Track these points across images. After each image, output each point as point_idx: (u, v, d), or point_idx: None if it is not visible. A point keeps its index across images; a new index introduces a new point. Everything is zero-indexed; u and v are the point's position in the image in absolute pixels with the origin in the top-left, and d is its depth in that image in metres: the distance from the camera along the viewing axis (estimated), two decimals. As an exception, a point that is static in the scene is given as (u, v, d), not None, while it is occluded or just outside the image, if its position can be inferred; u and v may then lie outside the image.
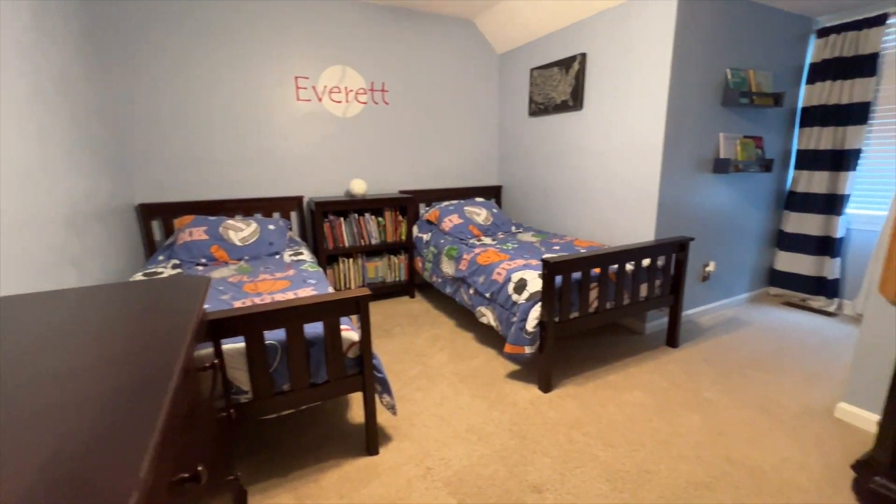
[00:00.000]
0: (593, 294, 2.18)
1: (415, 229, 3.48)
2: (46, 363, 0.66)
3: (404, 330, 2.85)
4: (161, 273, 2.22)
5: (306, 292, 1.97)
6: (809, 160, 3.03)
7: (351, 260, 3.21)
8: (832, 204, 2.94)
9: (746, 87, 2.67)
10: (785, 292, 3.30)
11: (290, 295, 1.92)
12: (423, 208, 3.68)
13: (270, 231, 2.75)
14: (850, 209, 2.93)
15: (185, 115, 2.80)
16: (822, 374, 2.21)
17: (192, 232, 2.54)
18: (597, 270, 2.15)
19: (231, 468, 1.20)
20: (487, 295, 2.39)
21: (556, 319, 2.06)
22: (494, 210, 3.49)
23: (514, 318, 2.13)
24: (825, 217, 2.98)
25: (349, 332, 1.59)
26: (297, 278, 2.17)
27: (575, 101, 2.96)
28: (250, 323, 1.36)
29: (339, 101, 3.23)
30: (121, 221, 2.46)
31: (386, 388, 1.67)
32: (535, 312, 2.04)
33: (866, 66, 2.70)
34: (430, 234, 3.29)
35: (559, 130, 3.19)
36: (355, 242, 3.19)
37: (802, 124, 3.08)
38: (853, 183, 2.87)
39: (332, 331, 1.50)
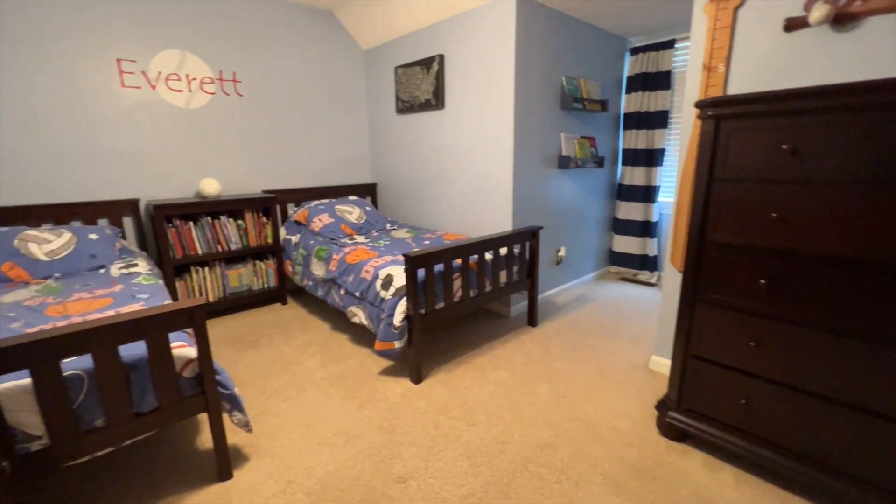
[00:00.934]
0: (457, 284, 2.30)
1: (282, 231, 3.26)
2: None
3: (273, 339, 2.65)
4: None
5: (133, 309, 1.69)
6: (631, 157, 3.61)
7: (207, 269, 2.88)
8: (648, 194, 3.55)
9: (579, 94, 3.06)
10: (621, 269, 3.90)
11: (110, 314, 1.64)
12: (291, 209, 3.47)
13: (92, 241, 2.32)
14: (660, 198, 3.58)
15: (-49, 98, 2.19)
16: (644, 335, 2.66)
17: (-29, 247, 2.00)
18: (458, 261, 2.27)
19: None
20: (357, 294, 2.36)
21: (423, 312, 2.12)
22: (368, 208, 3.45)
23: (383, 315, 2.14)
24: (644, 205, 3.59)
25: (185, 348, 1.42)
26: (123, 294, 1.86)
27: (437, 100, 3.08)
28: (37, 352, 1.11)
29: (180, 91, 2.85)
30: None
31: (236, 405, 1.52)
32: (402, 307, 2.07)
33: (663, 80, 3.31)
34: (299, 235, 3.12)
35: (425, 128, 3.28)
36: (211, 249, 2.86)
37: (625, 127, 3.66)
38: (661, 176, 3.50)
39: (159, 350, 1.32)
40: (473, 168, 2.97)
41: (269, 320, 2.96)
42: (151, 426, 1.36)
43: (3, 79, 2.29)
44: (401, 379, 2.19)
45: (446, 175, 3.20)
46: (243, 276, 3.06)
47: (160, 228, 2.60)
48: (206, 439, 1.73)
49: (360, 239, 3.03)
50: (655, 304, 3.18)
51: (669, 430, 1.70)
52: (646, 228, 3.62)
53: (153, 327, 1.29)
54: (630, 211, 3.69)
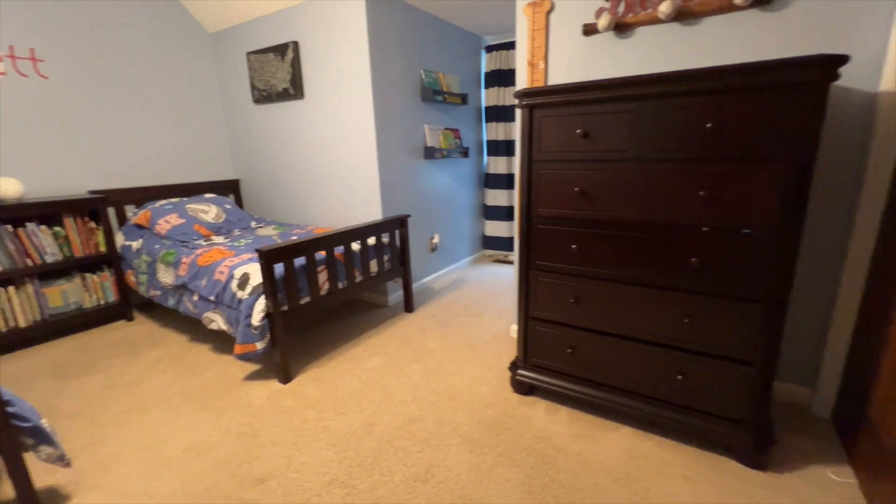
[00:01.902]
0: (323, 277, 2.26)
1: (119, 237, 2.83)
2: None
3: (113, 362, 2.30)
4: None
5: None
6: (494, 148, 3.91)
7: (13, 288, 2.36)
8: (510, 181, 3.89)
9: (439, 87, 3.21)
10: (494, 252, 4.22)
11: None
12: (131, 211, 3.02)
13: None
14: (521, 184, 3.95)
15: None
16: (509, 309, 2.93)
17: None
18: (323, 253, 2.23)
19: None
20: (212, 298, 2.16)
21: (285, 308, 2.04)
22: (228, 206, 3.17)
23: (242, 316, 2.00)
24: (508, 191, 3.93)
25: (-44, 381, 1.16)
26: None
27: (296, 89, 2.95)
28: None
29: (-50, 69, 2.27)
30: None
31: (43, 439, 1.30)
32: (260, 305, 1.96)
33: (513, 77, 3.64)
34: (141, 240, 2.73)
35: (286, 119, 3.12)
36: (16, 264, 2.35)
37: (487, 120, 3.94)
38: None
39: (-89, 386, 1.05)
40: (339, 160, 2.93)
41: (109, 340, 2.56)
42: None
43: None
44: (268, 381, 2.08)
45: (313, 168, 3.09)
46: (69, 293, 2.58)
47: (-69, 242, 2.06)
48: (8, 488, 1.43)
49: (219, 240, 2.78)
50: (521, 280, 3.51)
51: (519, 387, 1.91)
52: (511, 213, 3.97)
53: None
54: (497, 197, 4.00)
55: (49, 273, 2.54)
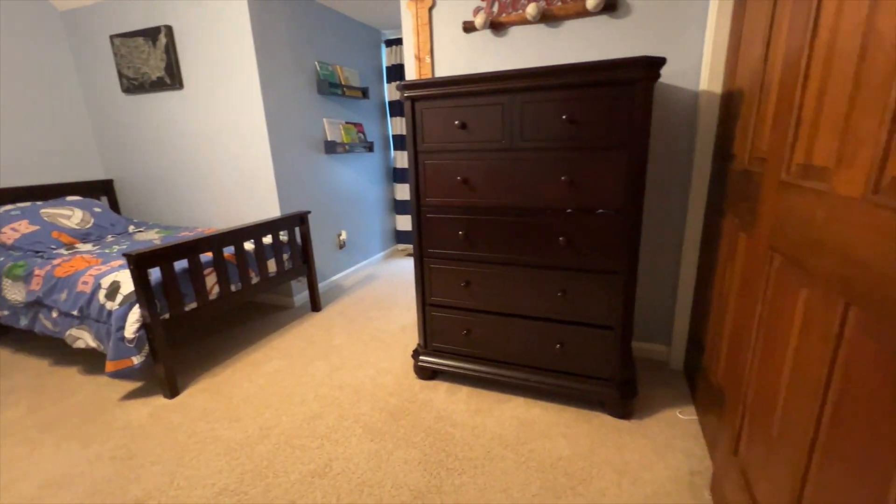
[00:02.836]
0: (211, 280, 2.10)
1: (-52, 251, 2.36)
2: None
3: (-56, 398, 1.93)
4: None
5: None
6: (400, 143, 3.93)
7: None
8: (417, 175, 3.94)
9: (336, 80, 3.14)
10: (407, 246, 4.25)
11: None
12: (-36, 219, 2.53)
13: None
14: (428, 178, 4.02)
15: None
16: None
17: None
18: (209, 255, 2.08)
19: None
20: (76, 312, 1.91)
21: (166, 316, 1.87)
22: (98, 209, 2.80)
23: (112, 329, 1.79)
24: (416, 185, 3.98)
25: None
26: None
27: (172, 78, 2.69)
28: None
29: None
30: None
31: None
32: (134, 316, 1.78)
33: (414, 72, 3.69)
34: (-21, 253, 2.31)
35: (164, 111, 2.83)
36: None
37: (391, 114, 3.94)
38: (426, 159, 3.93)
39: None
40: (228, 155, 2.73)
41: (-61, 375, 2.14)
42: None
43: None
44: (152, 398, 1.89)
45: (200, 164, 2.85)
46: None
47: None
48: None
49: (85, 247, 2.45)
50: (432, 272, 3.59)
51: (422, 372, 1.96)
52: (420, 206, 4.02)
53: None
54: (406, 192, 4.03)
55: None
